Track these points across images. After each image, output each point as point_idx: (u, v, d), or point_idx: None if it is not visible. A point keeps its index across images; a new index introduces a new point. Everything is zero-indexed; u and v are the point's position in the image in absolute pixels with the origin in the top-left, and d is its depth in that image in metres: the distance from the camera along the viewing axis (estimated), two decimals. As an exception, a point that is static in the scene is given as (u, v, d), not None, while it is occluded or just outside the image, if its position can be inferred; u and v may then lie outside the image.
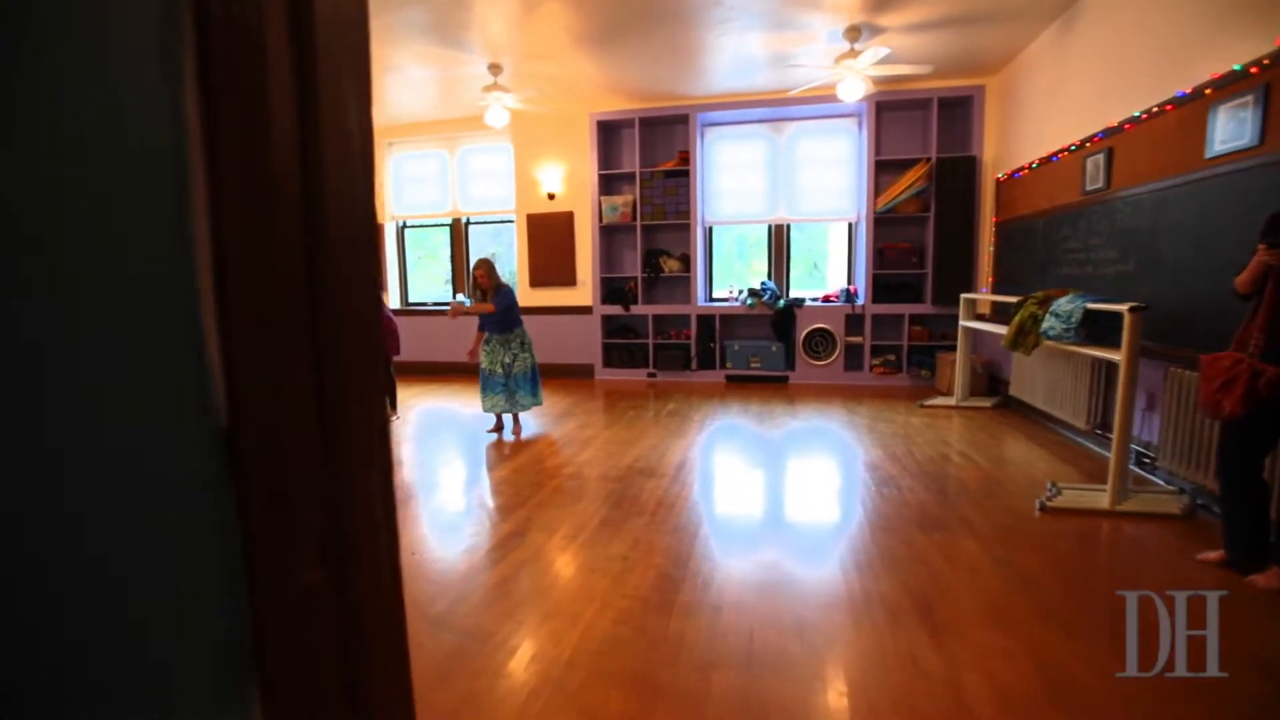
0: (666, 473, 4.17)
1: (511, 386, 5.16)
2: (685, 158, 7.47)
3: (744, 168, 7.61)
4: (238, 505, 0.43)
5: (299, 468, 0.46)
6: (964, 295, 5.92)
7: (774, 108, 7.16)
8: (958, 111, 6.79)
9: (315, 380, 0.47)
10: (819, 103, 6.93)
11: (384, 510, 0.54)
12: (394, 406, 5.96)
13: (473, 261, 5.23)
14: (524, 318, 5.30)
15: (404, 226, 8.94)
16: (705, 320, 7.64)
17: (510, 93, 6.08)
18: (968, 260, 6.66)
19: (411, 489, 4.05)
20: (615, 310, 7.84)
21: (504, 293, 5.05)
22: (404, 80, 6.56)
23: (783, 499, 3.81)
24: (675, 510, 3.49)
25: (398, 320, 6.06)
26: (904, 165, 6.92)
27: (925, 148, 6.92)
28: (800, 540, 3.13)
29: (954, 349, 6.61)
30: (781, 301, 7.37)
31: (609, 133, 7.81)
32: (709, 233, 7.94)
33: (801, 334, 7.31)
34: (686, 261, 7.67)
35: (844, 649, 2.19)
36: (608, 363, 7.98)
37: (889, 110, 6.98)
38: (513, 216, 8.31)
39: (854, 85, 5.56)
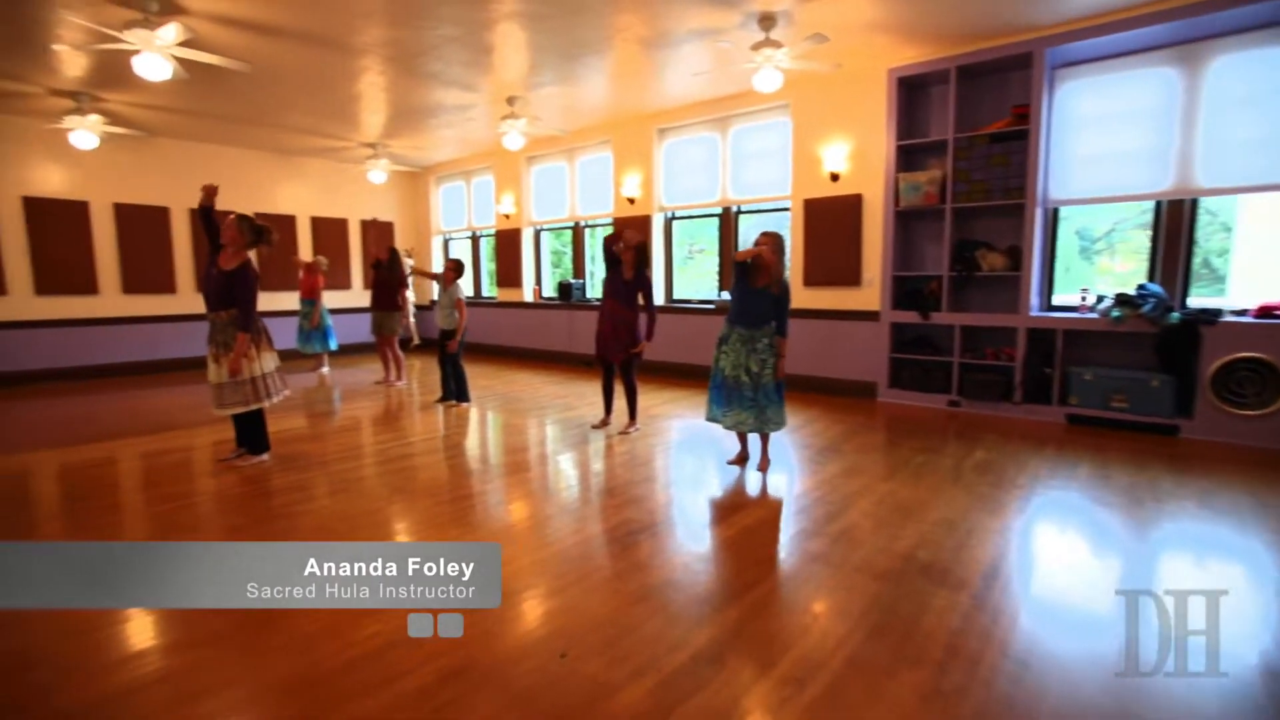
0: (968, 580, 2.68)
1: (761, 400, 4.02)
2: (1023, 114, 5.48)
3: (1121, 120, 5.31)
4: None
5: None
6: None
7: (1178, 20, 4.78)
8: None
9: None
10: None
11: None
12: (633, 417, 5.33)
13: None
14: (794, 321, 4.12)
15: (671, 218, 8.40)
16: (1040, 336, 5.57)
17: (783, 47, 4.94)
18: None
19: (630, 530, 3.26)
20: (910, 318, 6.20)
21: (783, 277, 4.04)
22: (671, 56, 5.88)
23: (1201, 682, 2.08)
24: (982, 668, 2.07)
25: (661, 317, 5.26)
26: None
27: None
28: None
29: None
30: (1174, 314, 4.97)
31: (912, 92, 6.17)
32: (1052, 216, 5.79)
33: (1210, 365, 4.83)
34: (1016, 256, 5.68)
35: None
36: (895, 382, 6.39)
37: None
38: (788, 203, 7.16)
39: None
